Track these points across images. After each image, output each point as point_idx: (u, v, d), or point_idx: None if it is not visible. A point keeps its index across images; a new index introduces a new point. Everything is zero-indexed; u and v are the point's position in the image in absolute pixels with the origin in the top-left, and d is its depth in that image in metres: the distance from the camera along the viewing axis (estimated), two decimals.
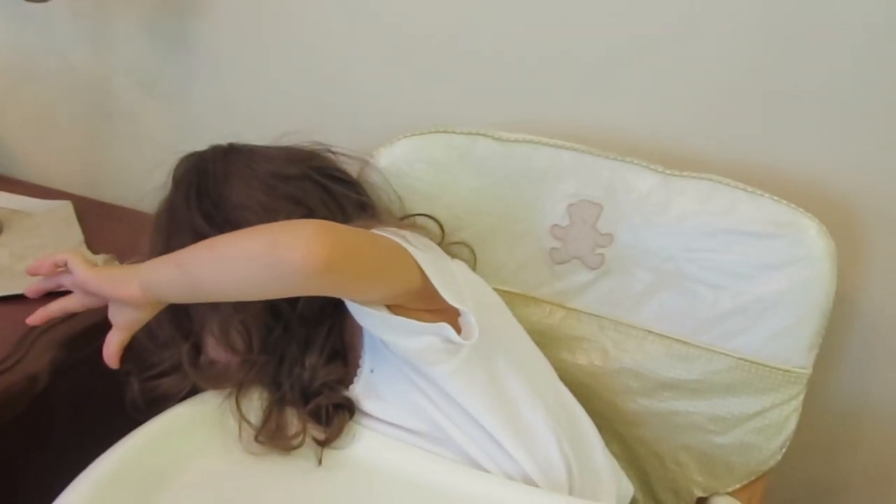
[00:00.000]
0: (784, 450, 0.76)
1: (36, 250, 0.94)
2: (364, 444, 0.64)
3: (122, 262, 0.93)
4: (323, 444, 0.63)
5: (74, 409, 0.92)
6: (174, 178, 0.74)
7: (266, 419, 0.64)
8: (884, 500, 0.98)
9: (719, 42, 0.82)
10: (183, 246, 0.60)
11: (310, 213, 0.68)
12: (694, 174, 0.77)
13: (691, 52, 0.82)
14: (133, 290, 0.60)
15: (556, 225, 0.78)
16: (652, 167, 0.77)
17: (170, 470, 0.61)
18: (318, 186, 0.71)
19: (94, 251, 0.95)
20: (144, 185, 1.14)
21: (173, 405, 0.65)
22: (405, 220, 0.76)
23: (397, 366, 0.63)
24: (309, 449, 0.64)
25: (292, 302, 0.66)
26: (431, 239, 0.72)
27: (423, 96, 0.92)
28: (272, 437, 0.63)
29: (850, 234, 0.85)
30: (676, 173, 0.77)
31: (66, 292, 0.68)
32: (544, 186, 0.78)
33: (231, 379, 0.66)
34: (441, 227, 0.77)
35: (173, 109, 1.09)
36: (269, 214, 0.66)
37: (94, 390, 0.95)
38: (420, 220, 0.77)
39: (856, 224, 0.85)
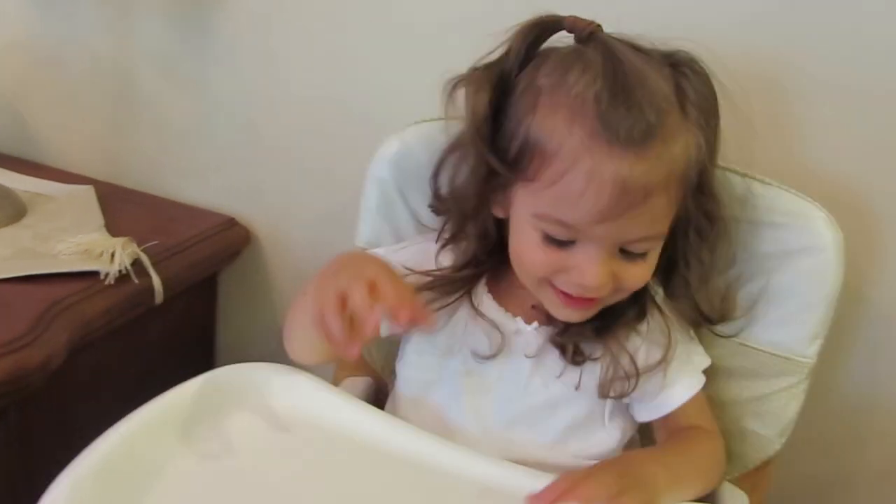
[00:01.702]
0: (784, 438, 0.76)
1: (58, 233, 0.97)
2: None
3: (139, 245, 0.96)
4: None
5: (93, 387, 0.95)
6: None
7: None
8: (893, 497, 0.97)
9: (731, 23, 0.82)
10: None
11: None
12: None
13: (696, 25, 0.82)
14: None
15: None
16: None
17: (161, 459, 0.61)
18: None
19: (114, 234, 0.97)
20: (165, 170, 1.17)
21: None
22: None
23: None
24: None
25: None
26: None
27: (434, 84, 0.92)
28: None
29: (865, 228, 0.84)
30: None
31: None
32: None
33: None
34: None
35: (193, 96, 1.11)
36: None
37: (112, 369, 0.98)
38: None
39: (870, 218, 0.84)
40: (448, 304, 0.71)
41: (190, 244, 1.04)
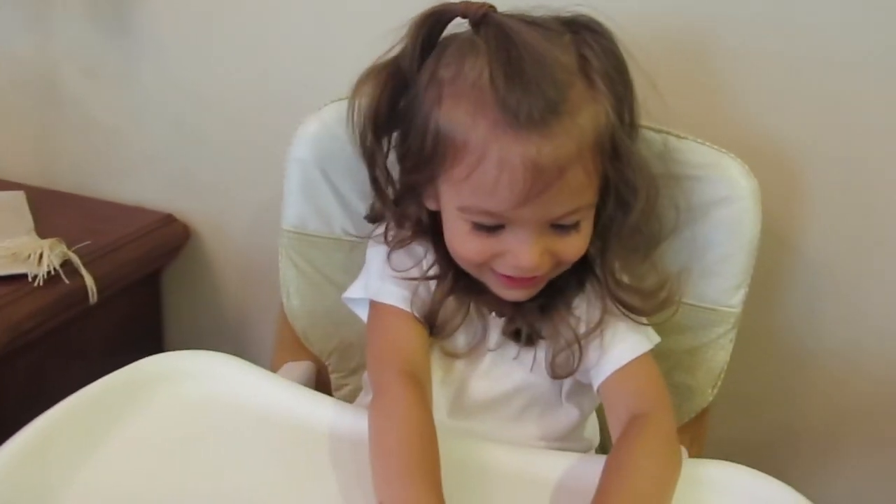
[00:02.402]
0: (716, 389, 0.77)
1: None
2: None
3: (69, 246, 0.95)
4: None
5: (30, 389, 0.94)
6: None
7: None
8: (830, 449, 0.98)
9: None
10: None
11: None
12: None
13: None
14: None
15: None
16: None
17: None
18: None
19: (46, 237, 0.96)
20: (97, 171, 1.15)
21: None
22: None
23: None
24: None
25: None
26: None
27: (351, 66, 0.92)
28: None
29: (788, 178, 0.85)
30: None
31: None
32: None
33: None
34: None
35: (120, 94, 1.09)
36: None
37: (50, 372, 0.97)
38: None
39: (791, 170, 0.85)
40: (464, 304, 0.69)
41: (125, 242, 1.03)
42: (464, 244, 0.64)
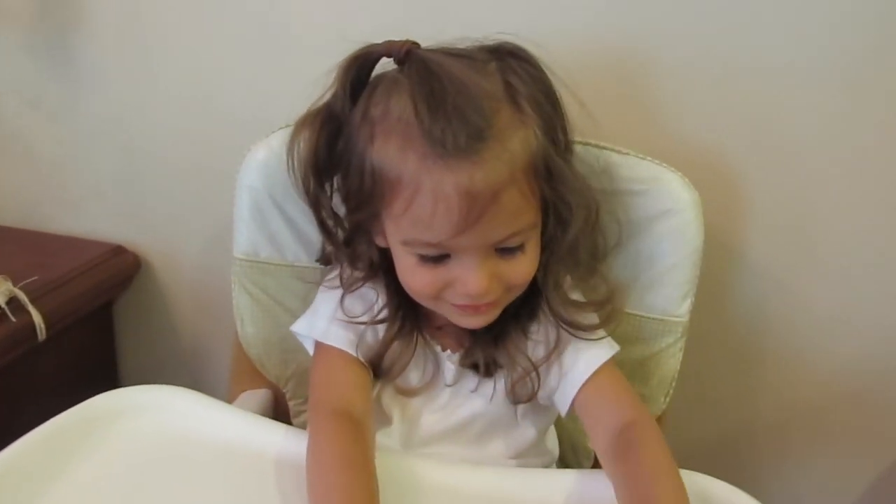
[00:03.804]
0: (668, 398, 0.78)
1: None
2: None
3: (15, 283, 0.93)
4: None
5: None
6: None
7: None
8: (785, 446, 1.01)
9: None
10: None
11: None
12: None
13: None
14: None
15: None
16: None
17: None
18: None
19: None
20: (42, 204, 1.13)
21: None
22: None
23: None
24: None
25: None
26: None
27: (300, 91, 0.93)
28: None
29: (728, 188, 0.88)
30: None
31: None
32: None
33: None
34: None
35: (63, 124, 1.08)
36: None
37: (2, 412, 0.95)
38: None
39: (732, 178, 0.88)
40: (410, 346, 0.70)
41: (73, 276, 1.01)
42: (413, 278, 0.65)
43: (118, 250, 1.09)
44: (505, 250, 0.63)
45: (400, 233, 0.63)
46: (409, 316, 0.69)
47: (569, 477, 0.66)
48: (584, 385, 0.68)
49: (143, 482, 0.62)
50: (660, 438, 0.63)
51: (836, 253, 0.89)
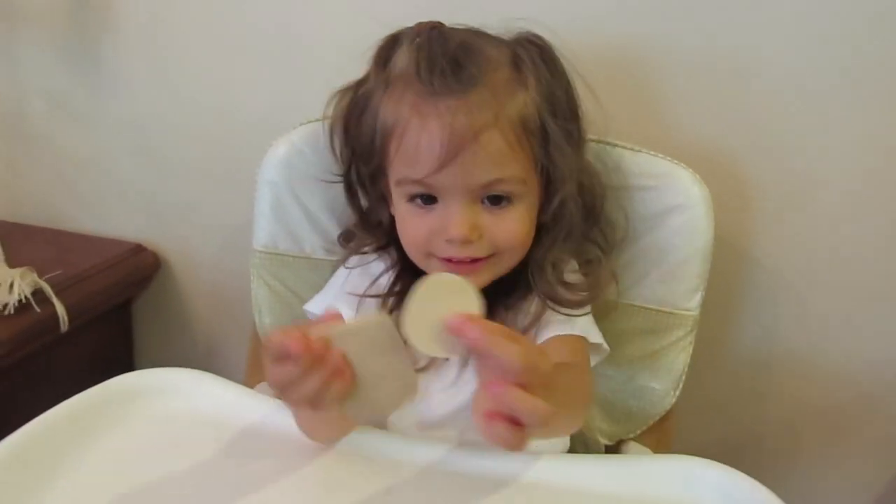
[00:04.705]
0: (678, 392, 0.79)
1: None
2: None
3: (40, 276, 0.95)
4: None
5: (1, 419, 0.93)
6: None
7: None
8: (796, 449, 1.01)
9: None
10: None
11: None
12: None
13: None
14: None
15: None
16: None
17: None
18: None
19: (12, 266, 0.96)
20: (66, 204, 1.16)
21: None
22: None
23: None
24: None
25: None
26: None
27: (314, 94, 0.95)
28: None
29: (739, 188, 0.89)
30: None
31: None
32: None
33: None
34: None
35: (87, 127, 1.11)
36: None
37: (21, 401, 0.96)
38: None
39: (743, 178, 0.89)
40: None
41: (94, 272, 1.04)
42: (406, 227, 0.68)
43: (138, 249, 1.12)
44: (491, 201, 0.65)
45: (394, 175, 0.66)
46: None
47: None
48: (543, 342, 0.68)
49: (158, 461, 0.63)
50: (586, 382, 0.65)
51: (846, 253, 0.90)
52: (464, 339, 0.48)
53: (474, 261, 0.66)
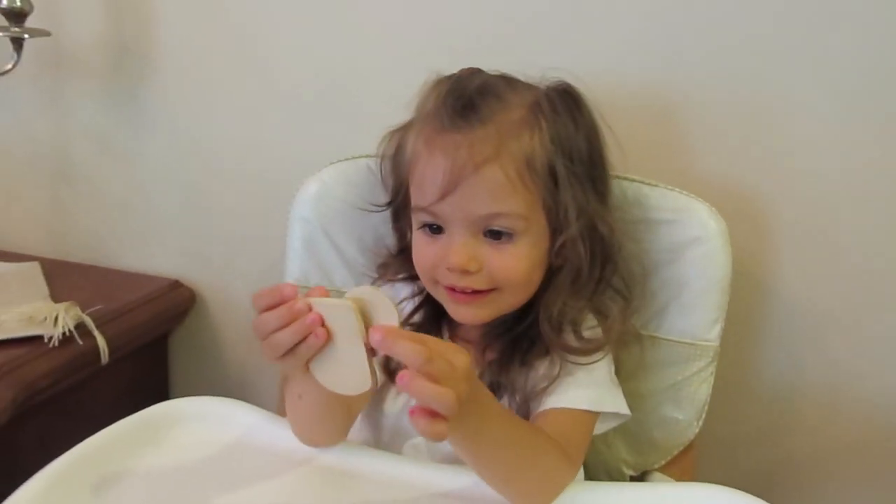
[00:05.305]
0: (700, 422, 0.80)
1: (3, 305, 1.00)
2: None
3: (82, 310, 0.99)
4: None
5: (40, 451, 0.96)
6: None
7: None
8: (821, 484, 1.00)
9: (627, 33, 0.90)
10: None
11: None
12: None
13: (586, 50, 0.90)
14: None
15: None
16: None
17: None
18: None
19: (56, 301, 1.00)
20: (107, 242, 1.21)
21: None
22: None
23: None
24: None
25: None
26: None
27: (346, 134, 0.99)
28: None
29: (757, 222, 0.91)
30: None
31: None
32: None
33: None
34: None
35: (129, 167, 1.16)
36: None
37: (60, 433, 1.00)
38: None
39: (761, 212, 0.91)
40: None
41: (133, 307, 1.08)
42: (417, 254, 0.71)
43: (175, 285, 1.16)
44: (493, 235, 0.67)
45: (412, 204, 0.71)
46: (433, 323, 0.74)
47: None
48: (538, 413, 0.69)
49: (195, 485, 0.66)
50: (560, 460, 0.64)
51: (866, 283, 0.90)
52: (373, 343, 0.53)
53: (475, 293, 0.68)
